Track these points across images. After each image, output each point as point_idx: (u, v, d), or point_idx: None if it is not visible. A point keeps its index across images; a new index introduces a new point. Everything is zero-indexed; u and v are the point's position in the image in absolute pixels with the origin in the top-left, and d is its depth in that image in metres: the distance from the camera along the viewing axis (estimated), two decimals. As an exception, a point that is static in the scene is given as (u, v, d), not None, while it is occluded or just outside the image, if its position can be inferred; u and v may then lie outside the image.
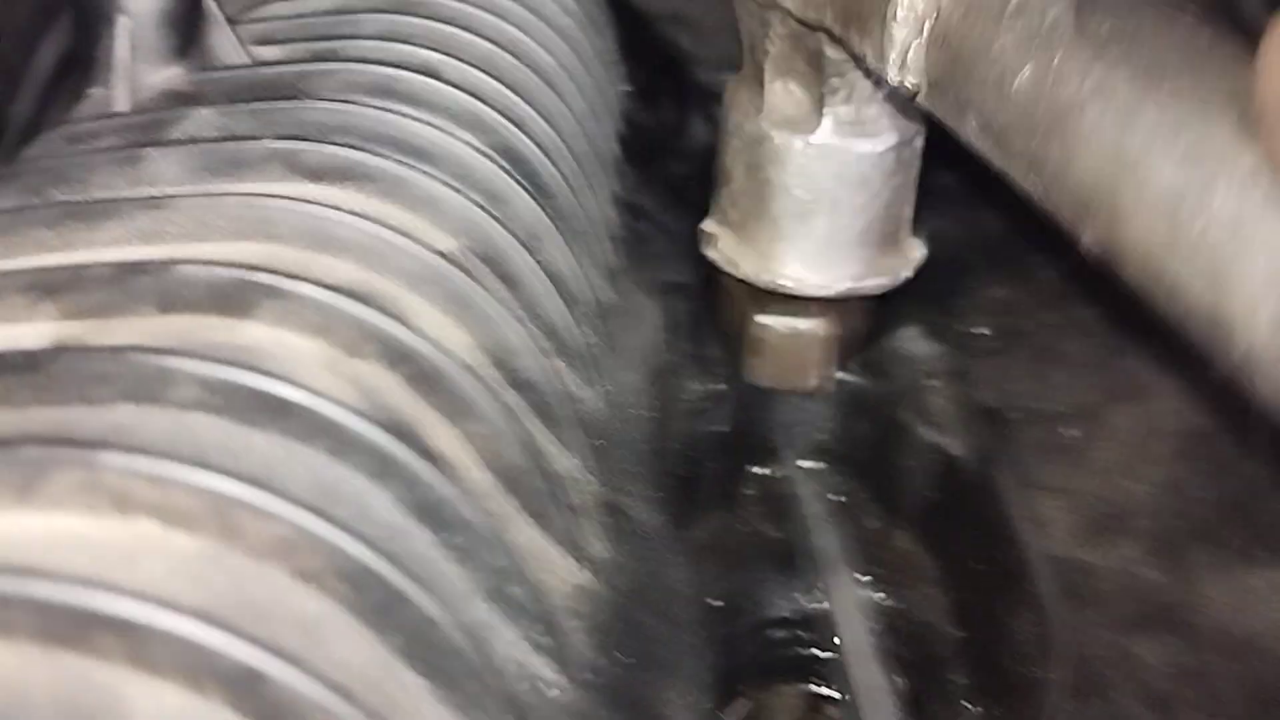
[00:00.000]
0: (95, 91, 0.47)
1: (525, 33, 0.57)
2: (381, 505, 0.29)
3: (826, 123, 0.56)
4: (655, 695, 0.36)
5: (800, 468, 0.60)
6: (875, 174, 0.57)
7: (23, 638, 0.21)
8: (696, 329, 0.60)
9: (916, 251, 0.60)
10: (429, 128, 0.45)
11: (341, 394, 0.31)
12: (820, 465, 0.61)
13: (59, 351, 0.28)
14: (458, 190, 0.42)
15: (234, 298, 0.32)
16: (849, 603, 0.49)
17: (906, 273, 0.59)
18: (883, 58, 0.44)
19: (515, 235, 0.43)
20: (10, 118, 0.80)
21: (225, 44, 0.48)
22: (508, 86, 0.51)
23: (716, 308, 0.62)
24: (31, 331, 0.32)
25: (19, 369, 0.28)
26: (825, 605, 0.53)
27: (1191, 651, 0.44)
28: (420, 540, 0.29)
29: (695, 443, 0.58)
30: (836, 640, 0.50)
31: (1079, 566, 0.48)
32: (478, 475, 0.34)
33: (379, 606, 0.26)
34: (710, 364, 0.60)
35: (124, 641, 0.22)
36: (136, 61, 0.46)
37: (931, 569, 0.56)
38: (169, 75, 0.46)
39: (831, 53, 0.54)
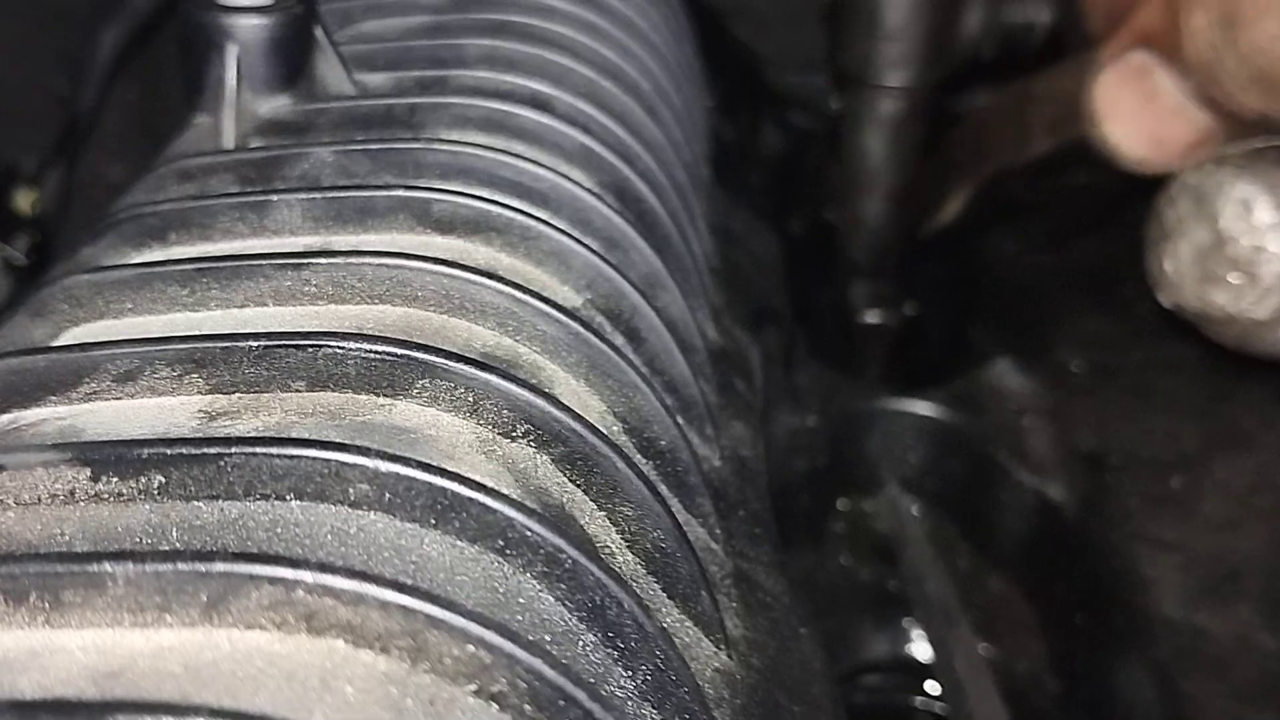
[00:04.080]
0: (202, 120, 0.45)
1: (624, 57, 0.55)
2: (551, 610, 0.28)
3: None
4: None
5: (894, 504, 0.59)
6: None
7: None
8: (787, 360, 0.59)
9: None
10: (545, 170, 0.43)
11: (500, 482, 0.30)
12: (912, 502, 0.60)
13: (229, 442, 0.27)
14: (578, 240, 0.41)
15: (385, 376, 0.31)
16: (967, 667, 0.48)
17: None
18: None
19: (634, 284, 0.42)
20: (74, 107, 0.79)
21: (332, 72, 0.46)
22: (614, 118, 0.50)
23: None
24: (181, 405, 0.31)
25: (189, 461, 0.27)
26: (925, 652, 0.53)
27: (1314, 725, 0.43)
28: (589, 644, 0.28)
29: (789, 479, 0.57)
30: (944, 697, 0.49)
31: (1194, 632, 0.47)
32: (626, 559, 0.33)
33: (563, 725, 0.25)
34: (801, 395, 0.59)
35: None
36: (244, 90, 0.44)
37: (1029, 617, 0.55)
38: (276, 105, 0.45)
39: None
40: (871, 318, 0.64)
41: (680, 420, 0.40)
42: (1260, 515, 0.52)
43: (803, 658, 0.39)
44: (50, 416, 0.31)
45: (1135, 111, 0.53)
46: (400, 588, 0.24)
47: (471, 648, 0.25)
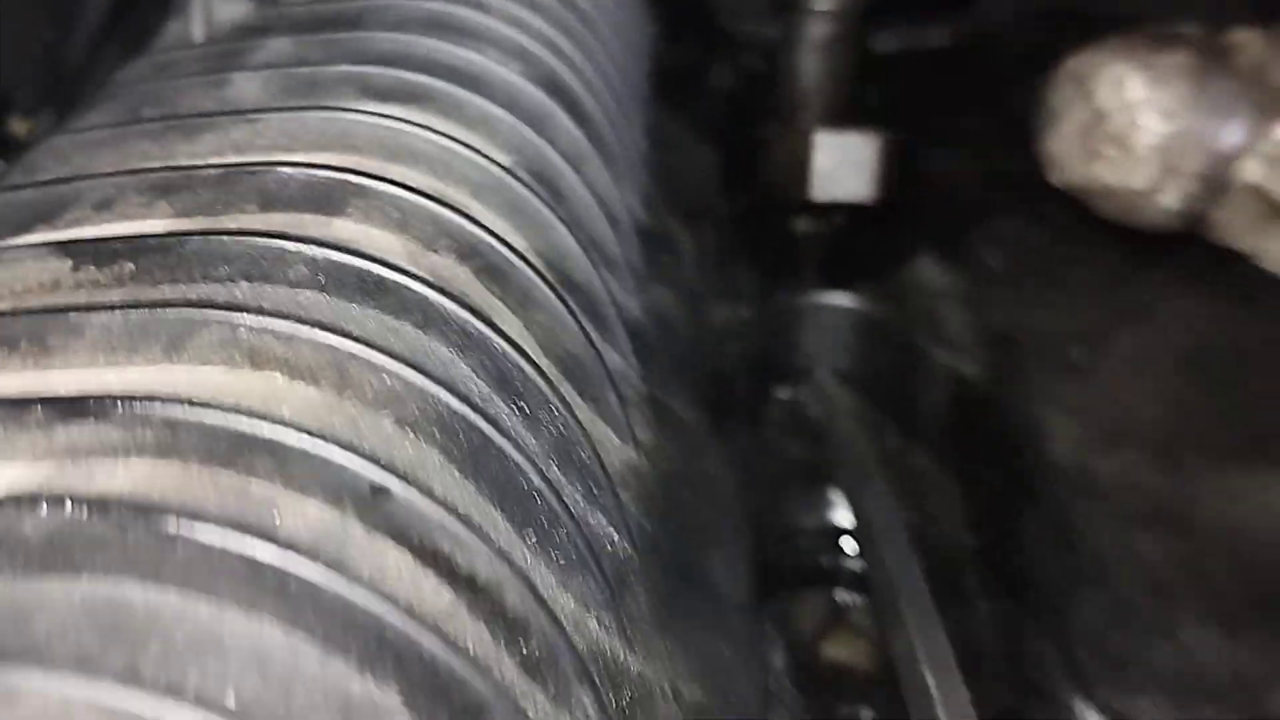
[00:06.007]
0: (173, 25, 0.50)
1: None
2: (465, 373, 0.33)
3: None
4: (701, 560, 0.40)
5: (824, 389, 0.64)
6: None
7: (193, 459, 0.25)
8: (724, 257, 0.64)
9: None
10: (480, 56, 0.48)
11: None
12: (842, 386, 0.64)
13: (186, 237, 0.32)
14: (509, 112, 0.46)
15: (326, 197, 0.36)
16: (879, 516, 0.52)
17: None
18: None
19: (562, 155, 0.47)
20: (62, 61, 0.84)
21: (290, -19, 0.51)
22: (549, 21, 0.55)
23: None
24: (150, 227, 0.36)
25: (154, 250, 0.32)
26: (849, 518, 0.57)
27: (1187, 544, 0.48)
28: (498, 405, 0.33)
29: (725, 364, 0.61)
30: (860, 550, 0.54)
31: (1085, 473, 0.52)
32: (540, 360, 0.37)
33: (471, 454, 0.30)
34: (735, 290, 0.64)
35: (275, 463, 0.26)
36: (210, -4, 0.49)
37: (947, 483, 0.60)
38: (240, 9, 0.50)
39: None
40: (805, 225, 0.69)
41: (601, 269, 0.45)
42: (1151, 378, 0.57)
43: (713, 472, 0.44)
44: (39, 240, 0.36)
45: None
46: (327, 328, 0.29)
47: (389, 380, 0.30)
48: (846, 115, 0.71)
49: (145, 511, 0.24)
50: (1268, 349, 0.55)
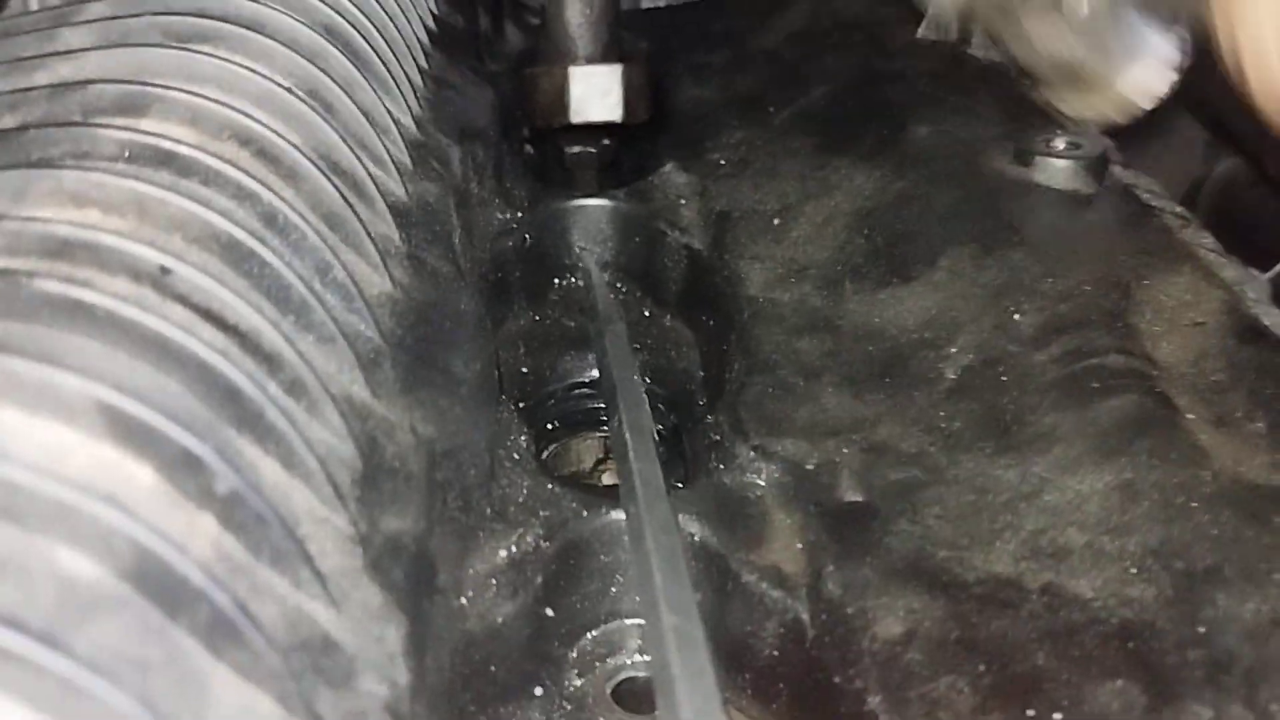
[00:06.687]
0: (13, 2, 0.62)
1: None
2: (238, 211, 0.46)
3: None
4: (443, 357, 0.54)
5: (590, 273, 0.79)
6: None
7: (33, 254, 0.38)
8: (497, 169, 0.78)
9: None
10: (266, 8, 0.61)
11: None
12: (605, 270, 0.79)
13: (28, 129, 0.45)
14: (289, 48, 0.59)
15: (134, 104, 0.49)
16: (623, 363, 0.66)
17: None
18: None
19: (335, 81, 0.60)
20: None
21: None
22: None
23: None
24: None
25: (3, 139, 0.44)
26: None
27: (835, 342, 0.64)
28: (267, 235, 0.46)
29: (502, 256, 0.76)
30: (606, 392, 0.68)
31: (770, 304, 0.67)
32: (307, 215, 0.51)
33: (239, 258, 0.43)
34: (510, 198, 0.78)
35: (91, 254, 0.39)
36: (41, -25, 0.62)
37: (683, 333, 0.75)
38: (67, -16, 0.62)
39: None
40: (573, 145, 0.83)
41: (367, 164, 0.59)
42: (826, 233, 0.72)
43: (461, 307, 0.58)
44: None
45: None
46: (131, 178, 0.42)
47: (175, 211, 0.43)
48: (603, 56, 0.86)
49: (7, 274, 0.37)
50: (908, 206, 0.71)
